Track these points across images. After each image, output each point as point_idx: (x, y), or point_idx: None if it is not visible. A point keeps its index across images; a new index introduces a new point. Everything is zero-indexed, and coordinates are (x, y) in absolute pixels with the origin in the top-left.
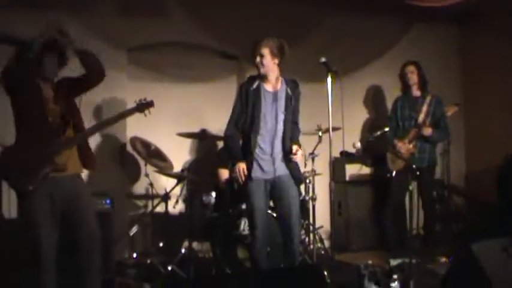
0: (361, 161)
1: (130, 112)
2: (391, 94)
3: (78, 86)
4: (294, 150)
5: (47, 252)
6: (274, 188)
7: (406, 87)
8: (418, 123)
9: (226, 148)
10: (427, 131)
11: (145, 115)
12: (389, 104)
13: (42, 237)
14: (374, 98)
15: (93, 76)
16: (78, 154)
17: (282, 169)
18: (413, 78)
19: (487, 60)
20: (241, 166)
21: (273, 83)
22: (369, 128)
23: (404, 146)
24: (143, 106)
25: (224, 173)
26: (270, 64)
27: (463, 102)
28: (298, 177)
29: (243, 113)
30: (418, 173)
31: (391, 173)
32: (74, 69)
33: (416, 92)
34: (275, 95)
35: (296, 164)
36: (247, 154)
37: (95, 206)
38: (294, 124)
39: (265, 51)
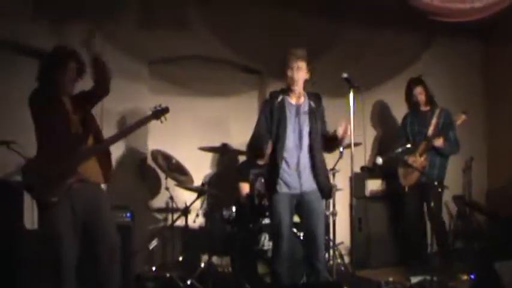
0: (381, 177)
1: (147, 119)
2: None
3: (90, 98)
4: (338, 130)
5: (68, 264)
6: (300, 204)
7: (413, 103)
8: (428, 136)
9: (251, 149)
10: (439, 142)
11: (161, 121)
12: None
13: (64, 249)
14: (396, 114)
15: (100, 90)
16: (98, 164)
17: (309, 184)
18: (421, 98)
19: (510, 75)
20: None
21: (297, 96)
22: (390, 143)
23: (416, 160)
24: (159, 113)
25: (245, 187)
26: (303, 78)
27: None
28: (326, 190)
29: (267, 128)
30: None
31: (404, 188)
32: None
33: (424, 108)
34: (298, 108)
35: (326, 177)
36: (273, 169)
37: (115, 218)
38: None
39: (303, 65)
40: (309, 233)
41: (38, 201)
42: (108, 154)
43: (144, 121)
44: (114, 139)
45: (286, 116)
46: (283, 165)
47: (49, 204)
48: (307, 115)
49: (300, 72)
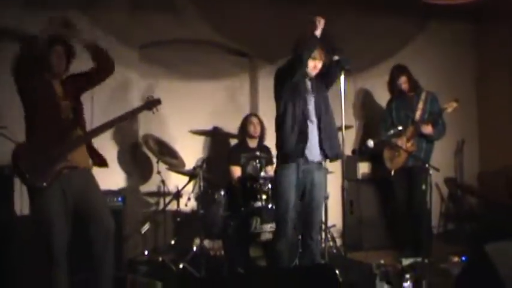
0: (369, 160)
1: (139, 110)
2: None
3: (89, 80)
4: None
5: (60, 248)
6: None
7: (392, 90)
8: (415, 121)
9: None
10: (427, 129)
11: (153, 112)
12: None
13: (55, 234)
14: (387, 97)
15: (104, 69)
16: (87, 150)
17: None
18: (405, 87)
19: (503, 58)
20: None
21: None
22: (377, 127)
23: (404, 144)
24: (151, 104)
25: (236, 171)
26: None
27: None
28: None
29: None
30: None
31: (390, 172)
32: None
33: (409, 93)
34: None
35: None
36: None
37: (107, 203)
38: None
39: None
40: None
41: (28, 186)
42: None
43: (135, 111)
44: (104, 128)
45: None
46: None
47: (39, 189)
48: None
49: (319, 64)
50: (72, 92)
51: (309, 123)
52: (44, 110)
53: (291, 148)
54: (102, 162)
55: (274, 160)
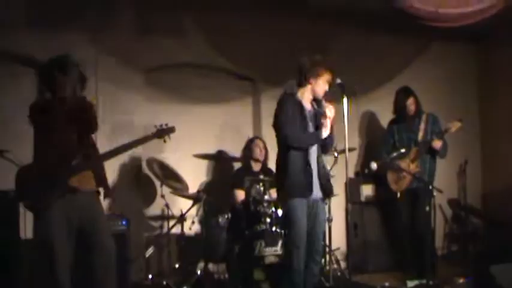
0: (373, 183)
1: (148, 138)
2: None
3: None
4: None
5: (62, 271)
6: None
7: (399, 112)
8: (419, 142)
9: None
10: (437, 144)
11: (164, 141)
12: None
13: (56, 257)
14: (386, 119)
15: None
16: (92, 172)
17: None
18: (412, 108)
19: (505, 79)
20: None
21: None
22: (378, 150)
23: (408, 166)
24: (163, 132)
25: (240, 194)
26: None
27: (475, 119)
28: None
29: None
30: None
31: (396, 194)
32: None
33: (415, 114)
34: (310, 112)
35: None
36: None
37: (111, 226)
38: None
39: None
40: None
41: (30, 210)
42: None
43: (143, 140)
44: (111, 155)
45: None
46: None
47: (40, 213)
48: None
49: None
50: (79, 116)
51: (311, 160)
52: (50, 137)
53: (301, 184)
54: (105, 191)
55: None
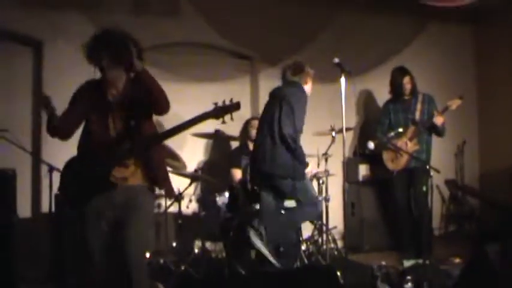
0: (373, 162)
1: (205, 117)
2: None
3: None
4: None
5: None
6: None
7: (396, 93)
8: (416, 121)
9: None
10: (440, 120)
11: (223, 122)
12: None
13: (92, 259)
14: (383, 99)
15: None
16: (143, 167)
17: None
18: (409, 87)
19: (502, 59)
20: None
21: None
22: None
23: (406, 145)
24: (223, 110)
25: (237, 173)
26: None
27: (475, 96)
28: None
29: None
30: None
31: (392, 173)
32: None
33: (407, 95)
34: None
35: None
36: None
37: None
38: None
39: None
40: None
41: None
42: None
43: (199, 119)
44: (157, 140)
45: None
46: None
47: (79, 212)
48: None
49: None
50: (131, 101)
51: None
52: (92, 123)
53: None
54: (164, 190)
55: None
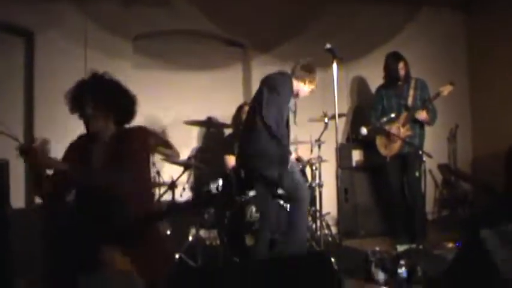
0: (362, 148)
1: None
2: None
3: None
4: None
5: None
6: None
7: (390, 78)
8: (409, 107)
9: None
10: (422, 115)
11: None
12: None
13: None
14: (374, 85)
15: None
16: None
17: None
18: (402, 73)
19: (494, 44)
20: None
21: None
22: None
23: (399, 130)
24: None
25: (231, 160)
26: None
27: (465, 82)
28: None
29: None
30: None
31: (385, 158)
32: None
33: (401, 81)
34: None
35: None
36: None
37: None
38: None
39: None
40: None
41: None
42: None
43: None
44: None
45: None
46: None
47: None
48: None
49: None
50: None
51: None
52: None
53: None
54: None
55: None
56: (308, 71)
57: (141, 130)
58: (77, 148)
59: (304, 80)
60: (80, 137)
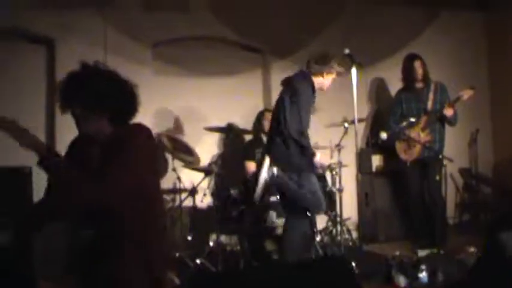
0: (382, 153)
1: None
2: None
3: None
4: None
5: None
6: None
7: (408, 80)
8: (428, 110)
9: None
10: (449, 111)
11: None
12: None
13: None
14: (394, 90)
15: None
16: None
17: None
18: (420, 72)
19: None
20: None
21: None
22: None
23: (419, 135)
24: None
25: (251, 166)
26: None
27: (485, 86)
28: None
29: None
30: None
31: (406, 163)
32: None
33: (419, 84)
34: None
35: None
36: None
37: None
38: None
39: None
40: None
41: None
42: None
43: None
44: None
45: None
46: None
47: None
48: None
49: None
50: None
51: None
52: None
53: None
54: None
55: None
56: (323, 63)
57: (141, 128)
58: (76, 149)
59: (322, 73)
60: (80, 137)
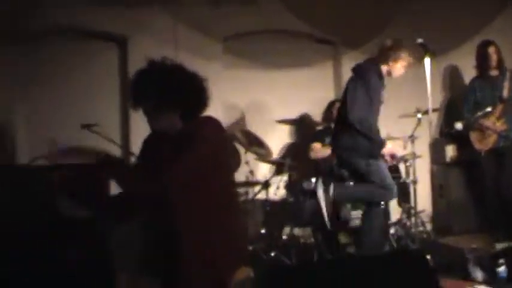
0: (456, 143)
1: None
2: None
3: None
4: None
5: None
6: None
7: (483, 67)
8: (504, 98)
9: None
10: None
11: None
12: None
13: None
14: (467, 78)
15: None
16: None
17: None
18: (494, 58)
19: None
20: None
21: None
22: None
23: (494, 124)
24: None
25: (316, 148)
26: None
27: None
28: None
29: None
30: None
31: (480, 153)
32: None
33: (494, 72)
34: None
35: None
36: None
37: None
38: None
39: None
40: None
41: None
42: None
43: None
44: None
45: None
46: None
47: None
48: None
49: None
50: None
51: None
52: None
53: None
54: None
55: None
56: (390, 49)
57: (210, 121)
58: (148, 146)
59: (388, 60)
60: (152, 134)
